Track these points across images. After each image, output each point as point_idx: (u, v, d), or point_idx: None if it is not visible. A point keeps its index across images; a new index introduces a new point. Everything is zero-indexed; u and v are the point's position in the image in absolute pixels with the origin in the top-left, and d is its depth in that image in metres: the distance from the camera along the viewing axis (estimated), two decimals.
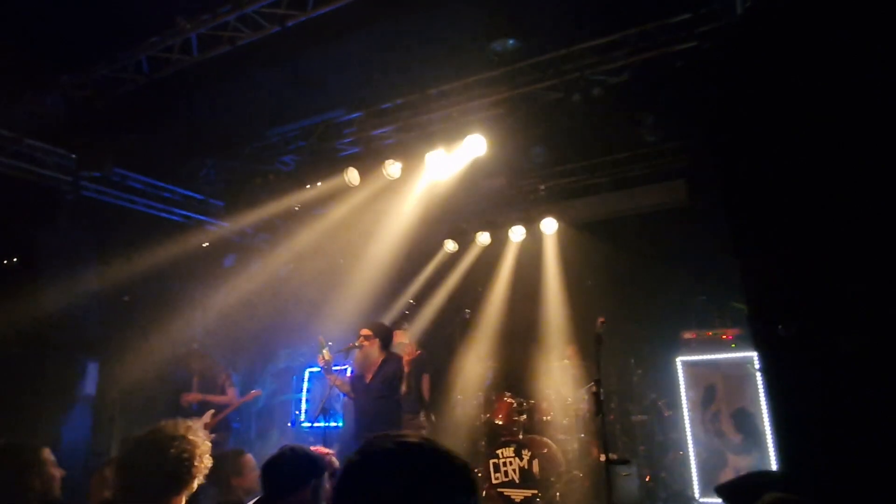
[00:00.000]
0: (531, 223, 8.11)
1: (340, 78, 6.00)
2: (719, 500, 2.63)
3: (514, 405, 6.89)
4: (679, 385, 6.69)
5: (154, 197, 7.47)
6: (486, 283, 8.63)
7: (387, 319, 7.31)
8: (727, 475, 6.03)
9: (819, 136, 3.21)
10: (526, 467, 6.36)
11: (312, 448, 3.06)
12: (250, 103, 6.43)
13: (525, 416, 6.81)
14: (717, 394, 6.49)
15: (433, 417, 7.02)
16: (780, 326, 3.22)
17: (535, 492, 6.23)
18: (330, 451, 3.55)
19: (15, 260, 6.17)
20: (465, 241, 8.65)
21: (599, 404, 4.89)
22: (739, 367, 6.42)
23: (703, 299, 7.09)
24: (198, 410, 6.40)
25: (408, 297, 8.50)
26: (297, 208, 7.55)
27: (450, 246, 8.59)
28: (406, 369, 5.10)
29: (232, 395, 7.02)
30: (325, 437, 5.66)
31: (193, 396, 6.83)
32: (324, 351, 5.41)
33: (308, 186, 7.18)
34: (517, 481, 6.36)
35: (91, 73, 5.63)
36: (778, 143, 3.45)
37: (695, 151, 6.87)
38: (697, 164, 6.98)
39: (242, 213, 7.76)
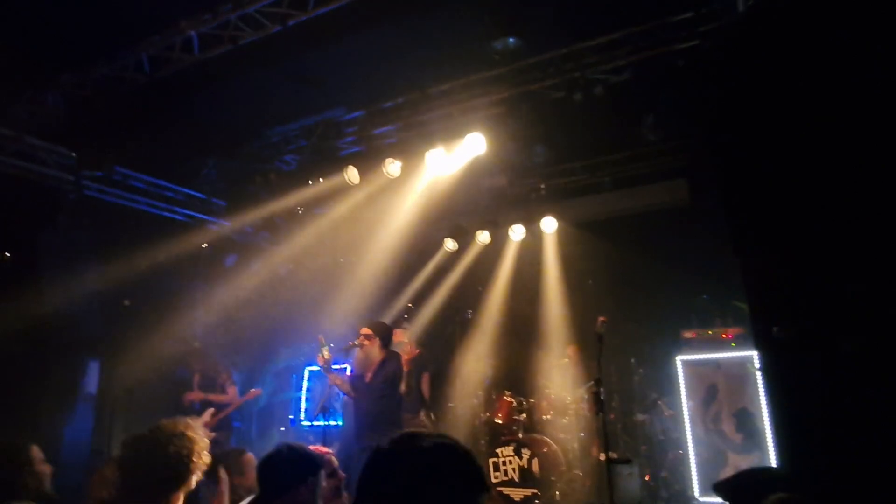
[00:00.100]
0: (531, 222, 8.11)
1: (341, 77, 6.00)
2: (720, 500, 2.62)
3: (514, 404, 6.90)
4: (680, 384, 6.69)
5: (156, 196, 7.47)
6: (486, 282, 8.63)
7: (387, 318, 7.31)
8: (727, 474, 6.00)
9: (820, 136, 3.21)
10: (526, 466, 6.36)
11: (312, 447, 3.06)
12: (251, 102, 6.44)
13: (525, 415, 6.81)
14: (718, 393, 6.49)
15: (433, 416, 7.02)
16: (774, 329, 3.22)
17: (535, 491, 6.23)
18: (329, 450, 3.55)
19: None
20: (465, 240, 8.65)
21: (600, 403, 4.89)
22: (740, 367, 6.42)
23: (704, 298, 7.10)
24: (199, 409, 6.39)
25: (408, 296, 8.50)
26: (300, 211, 7.56)
27: (450, 245, 8.58)
28: (405, 368, 5.10)
29: (233, 394, 7.03)
30: (324, 435, 5.68)
31: (195, 395, 6.84)
32: (324, 350, 5.41)
33: (310, 182, 7.19)
34: (517, 480, 6.36)
35: (92, 72, 5.63)
36: (779, 143, 3.44)
37: (695, 151, 6.86)
38: (698, 164, 6.97)
39: (243, 212, 7.77)
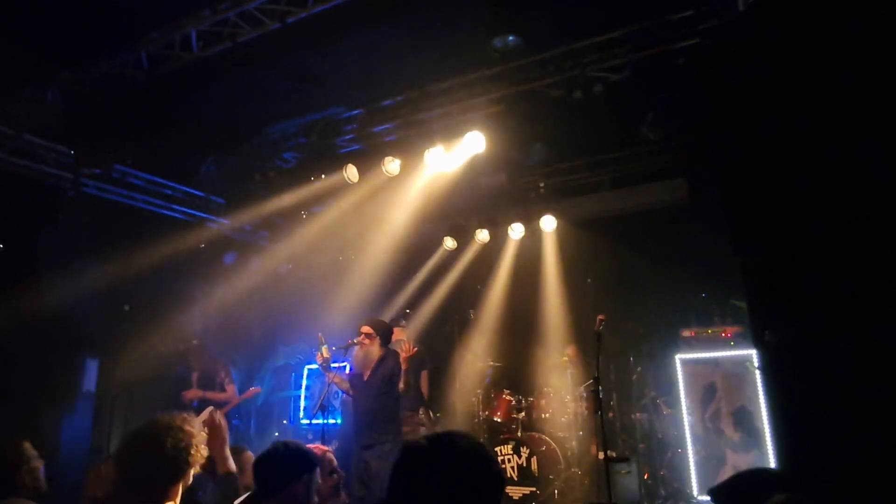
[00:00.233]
0: (531, 221, 8.11)
1: (341, 75, 6.00)
2: None
3: (513, 402, 6.90)
4: (678, 383, 6.70)
5: (155, 194, 7.46)
6: (485, 280, 8.63)
7: (386, 316, 7.32)
8: (726, 473, 6.03)
9: (820, 135, 3.21)
10: (524, 465, 6.37)
11: (310, 445, 3.06)
12: (251, 100, 6.43)
13: (524, 414, 6.82)
14: (717, 392, 6.49)
15: (432, 414, 7.02)
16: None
17: (534, 489, 6.24)
18: (328, 448, 3.55)
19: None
20: (464, 239, 8.64)
21: (598, 402, 4.89)
22: (739, 366, 6.43)
23: (703, 297, 7.10)
24: (198, 408, 6.40)
25: (407, 294, 8.50)
26: (303, 214, 7.56)
27: (449, 243, 8.58)
28: (404, 366, 5.09)
29: (231, 392, 7.03)
30: (323, 434, 5.68)
31: (193, 393, 6.85)
32: (323, 348, 5.42)
33: (312, 179, 7.19)
34: (516, 479, 6.37)
35: (91, 70, 5.61)
36: (779, 142, 3.44)
37: (695, 149, 6.86)
38: (698, 162, 6.97)
39: (243, 210, 7.76)
